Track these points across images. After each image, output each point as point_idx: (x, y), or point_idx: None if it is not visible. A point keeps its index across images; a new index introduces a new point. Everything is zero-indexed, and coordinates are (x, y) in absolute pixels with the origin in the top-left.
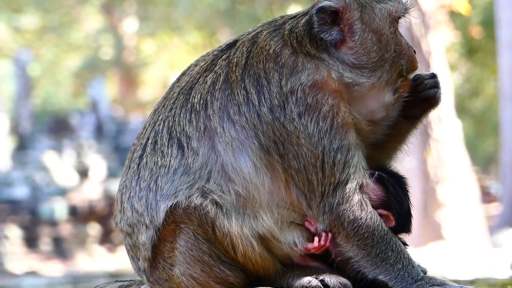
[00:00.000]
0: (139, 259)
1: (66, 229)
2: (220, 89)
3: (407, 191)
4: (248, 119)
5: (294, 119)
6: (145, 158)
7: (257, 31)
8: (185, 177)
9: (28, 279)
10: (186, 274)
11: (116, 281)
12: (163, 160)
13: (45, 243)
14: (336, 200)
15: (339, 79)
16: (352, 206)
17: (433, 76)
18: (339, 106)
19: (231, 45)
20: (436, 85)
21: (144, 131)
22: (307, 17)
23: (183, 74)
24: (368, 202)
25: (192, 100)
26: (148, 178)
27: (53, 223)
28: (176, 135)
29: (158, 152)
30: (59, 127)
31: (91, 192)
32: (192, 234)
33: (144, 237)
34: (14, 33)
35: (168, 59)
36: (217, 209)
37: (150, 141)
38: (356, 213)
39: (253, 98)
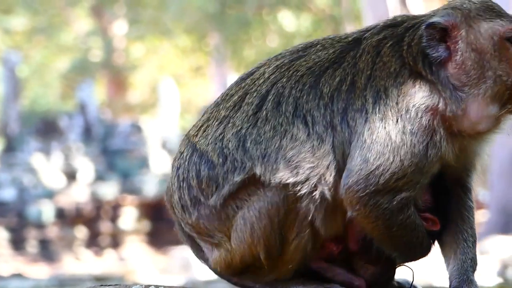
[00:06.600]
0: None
1: (53, 232)
2: (346, 91)
3: None
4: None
5: (405, 133)
6: (265, 111)
7: (381, 35)
8: (310, 155)
9: (14, 282)
10: (248, 219)
11: (102, 285)
12: (289, 126)
13: (32, 246)
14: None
15: (445, 108)
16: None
17: None
18: (447, 139)
19: (357, 42)
20: None
21: (257, 80)
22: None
23: (308, 50)
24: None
25: (321, 87)
26: (271, 133)
27: (40, 225)
28: (303, 111)
29: (283, 115)
30: (47, 129)
31: (79, 194)
32: (284, 206)
33: (239, 178)
34: (3, 34)
35: (157, 62)
36: (320, 204)
37: (271, 97)
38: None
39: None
